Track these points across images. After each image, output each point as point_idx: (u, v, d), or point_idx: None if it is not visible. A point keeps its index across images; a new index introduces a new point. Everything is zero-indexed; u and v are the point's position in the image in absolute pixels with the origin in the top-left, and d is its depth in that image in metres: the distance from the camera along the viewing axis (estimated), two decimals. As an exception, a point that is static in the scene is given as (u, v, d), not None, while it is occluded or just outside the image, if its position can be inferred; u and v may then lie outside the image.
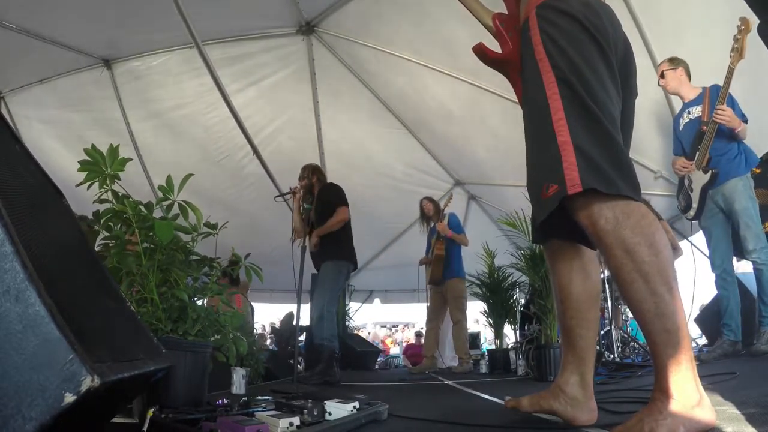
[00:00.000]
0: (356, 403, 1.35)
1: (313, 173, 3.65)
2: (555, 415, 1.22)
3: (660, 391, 0.95)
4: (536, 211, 1.12)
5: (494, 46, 1.33)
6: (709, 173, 2.80)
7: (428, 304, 4.91)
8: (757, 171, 3.48)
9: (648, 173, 4.28)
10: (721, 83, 2.65)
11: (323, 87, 5.06)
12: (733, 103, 2.73)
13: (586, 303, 1.23)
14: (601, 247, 1.03)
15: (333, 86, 5.04)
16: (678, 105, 3.21)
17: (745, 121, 2.75)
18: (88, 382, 0.64)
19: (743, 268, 2.85)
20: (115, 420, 1.36)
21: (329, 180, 3.81)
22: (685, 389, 0.92)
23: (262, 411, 1.29)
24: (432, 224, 4.79)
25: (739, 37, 2.47)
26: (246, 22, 4.31)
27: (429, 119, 5.22)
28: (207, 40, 4.03)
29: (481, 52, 1.31)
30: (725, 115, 2.63)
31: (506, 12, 1.35)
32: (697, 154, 2.82)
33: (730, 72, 2.55)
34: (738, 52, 2.49)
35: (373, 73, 4.88)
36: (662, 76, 3.04)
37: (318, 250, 3.41)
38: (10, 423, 0.61)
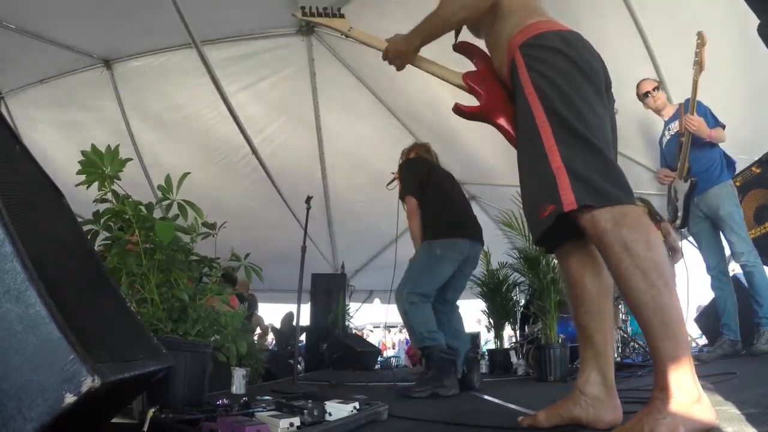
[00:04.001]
0: (356, 404, 1.35)
1: (409, 152, 2.97)
2: (577, 422, 1.16)
3: (659, 389, 0.95)
4: (533, 231, 1.21)
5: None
6: (689, 182, 2.90)
7: None
8: (758, 171, 3.49)
9: (649, 174, 4.27)
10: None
11: (323, 87, 5.05)
12: (705, 112, 2.86)
13: (600, 296, 1.24)
14: (603, 247, 1.07)
15: (333, 86, 5.03)
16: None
17: (723, 126, 2.87)
18: (88, 382, 0.64)
19: (740, 268, 2.89)
20: (115, 420, 1.36)
21: None
22: (684, 385, 0.93)
23: (262, 411, 1.29)
24: None
25: (698, 50, 2.60)
26: (245, 22, 4.30)
27: (429, 119, 5.21)
28: (206, 41, 4.02)
29: (458, 111, 1.44)
30: (692, 123, 2.76)
31: (473, 69, 1.47)
32: (678, 164, 2.94)
33: (695, 84, 2.68)
34: (699, 65, 2.62)
35: (373, 73, 4.87)
36: (646, 95, 3.13)
37: None
38: (11, 423, 0.61)
